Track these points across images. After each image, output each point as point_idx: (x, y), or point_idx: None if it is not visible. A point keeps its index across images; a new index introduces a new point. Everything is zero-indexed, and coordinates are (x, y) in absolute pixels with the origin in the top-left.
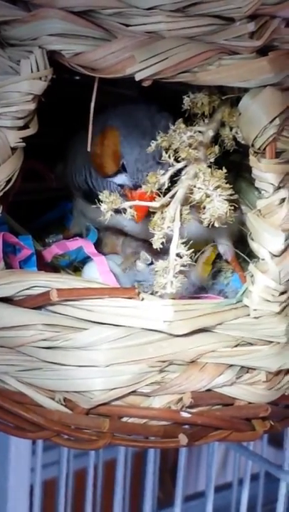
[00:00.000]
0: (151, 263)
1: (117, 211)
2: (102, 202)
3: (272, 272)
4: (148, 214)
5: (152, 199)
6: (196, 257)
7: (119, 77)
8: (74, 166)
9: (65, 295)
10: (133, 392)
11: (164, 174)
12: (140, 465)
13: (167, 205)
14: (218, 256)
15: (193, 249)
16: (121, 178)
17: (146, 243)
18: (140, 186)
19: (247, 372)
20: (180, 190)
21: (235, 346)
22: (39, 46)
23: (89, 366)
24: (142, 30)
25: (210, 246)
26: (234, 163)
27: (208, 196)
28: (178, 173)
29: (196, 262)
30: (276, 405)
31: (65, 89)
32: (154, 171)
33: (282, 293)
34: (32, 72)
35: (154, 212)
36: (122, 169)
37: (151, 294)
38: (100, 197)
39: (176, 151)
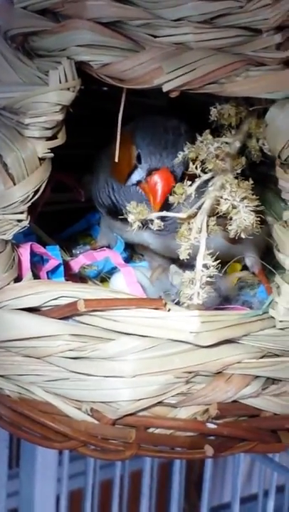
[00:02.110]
0: None
1: (144, 224)
2: (129, 213)
3: None
4: (169, 195)
5: (171, 179)
6: (225, 269)
7: (147, 88)
8: (97, 183)
9: (93, 305)
10: (159, 403)
11: (190, 185)
12: (166, 476)
13: (194, 216)
14: (244, 267)
15: (219, 261)
16: (137, 174)
17: (171, 259)
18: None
19: (273, 383)
20: (207, 201)
21: (261, 357)
22: (67, 57)
23: (116, 377)
24: (169, 42)
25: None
26: (261, 175)
27: (234, 207)
28: (205, 184)
29: (223, 273)
30: None
31: (99, 101)
32: (166, 154)
33: None
34: (60, 82)
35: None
36: (138, 161)
37: (177, 303)
38: (127, 208)
39: (203, 162)
